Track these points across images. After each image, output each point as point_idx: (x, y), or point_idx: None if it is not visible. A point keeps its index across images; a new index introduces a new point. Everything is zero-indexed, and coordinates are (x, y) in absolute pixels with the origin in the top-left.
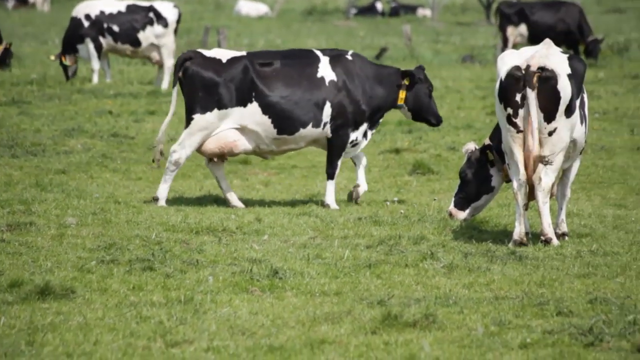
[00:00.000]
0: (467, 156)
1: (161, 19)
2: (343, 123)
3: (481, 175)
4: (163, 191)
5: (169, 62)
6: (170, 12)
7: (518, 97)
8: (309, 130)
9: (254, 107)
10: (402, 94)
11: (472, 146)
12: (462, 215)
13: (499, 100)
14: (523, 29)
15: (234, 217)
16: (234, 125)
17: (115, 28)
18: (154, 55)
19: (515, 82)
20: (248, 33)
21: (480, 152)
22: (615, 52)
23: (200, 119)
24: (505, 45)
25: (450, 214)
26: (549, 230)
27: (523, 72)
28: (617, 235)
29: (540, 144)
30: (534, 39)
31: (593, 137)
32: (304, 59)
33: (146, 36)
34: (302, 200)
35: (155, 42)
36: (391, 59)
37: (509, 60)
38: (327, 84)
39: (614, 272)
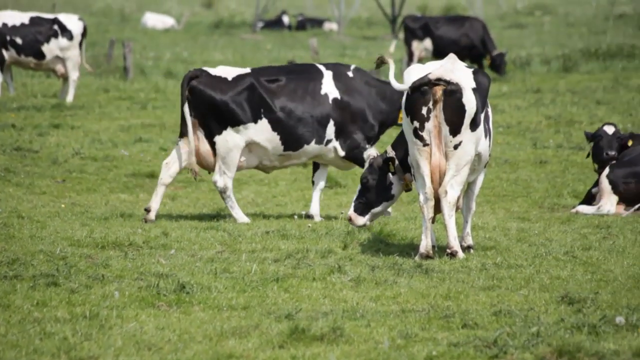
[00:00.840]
0: (369, 162)
1: (66, 32)
2: (355, 143)
3: (382, 182)
4: (239, 216)
5: (74, 75)
6: (75, 25)
7: (424, 111)
8: (312, 147)
9: (264, 124)
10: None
11: (373, 152)
12: (362, 220)
13: (405, 113)
14: (428, 43)
15: (140, 231)
16: (247, 141)
17: (19, 40)
18: (59, 68)
19: (421, 95)
20: (154, 46)
21: (383, 161)
22: (517, 67)
23: (221, 140)
24: (410, 60)
25: (350, 219)
26: (455, 244)
27: (428, 85)
28: (521, 248)
29: (446, 157)
30: (438, 53)
31: (497, 150)
32: (308, 74)
33: (50, 49)
34: (209, 214)
35: (59, 54)
36: None
37: (414, 74)
38: (330, 101)
39: (517, 284)
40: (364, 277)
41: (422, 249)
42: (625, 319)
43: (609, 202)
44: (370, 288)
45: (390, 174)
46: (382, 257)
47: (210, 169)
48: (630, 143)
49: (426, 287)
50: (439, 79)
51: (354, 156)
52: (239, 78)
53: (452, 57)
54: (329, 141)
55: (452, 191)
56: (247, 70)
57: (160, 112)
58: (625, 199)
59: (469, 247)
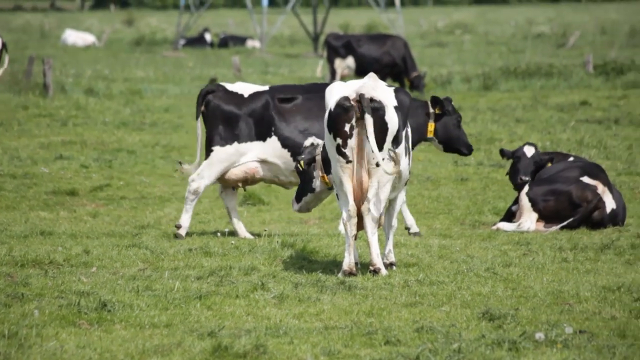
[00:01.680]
0: (305, 150)
1: None
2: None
3: (308, 174)
4: (185, 221)
5: None
6: None
7: (347, 128)
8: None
9: (273, 142)
10: (431, 127)
11: (309, 141)
12: (295, 206)
13: (328, 130)
14: (350, 61)
15: (61, 249)
16: (254, 159)
17: None
18: None
19: (344, 112)
20: (75, 63)
21: (300, 158)
22: (438, 85)
23: (219, 151)
24: (333, 77)
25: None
26: (378, 261)
27: (353, 102)
28: (443, 265)
29: (369, 174)
30: (361, 71)
31: (419, 168)
32: (323, 93)
33: None
34: (131, 232)
35: None
36: None
37: (337, 91)
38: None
39: (439, 301)
40: (287, 294)
41: (345, 266)
42: (544, 335)
43: (528, 220)
44: (293, 305)
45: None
46: (306, 274)
47: (229, 185)
48: (549, 165)
49: (349, 304)
50: (365, 97)
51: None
52: (254, 95)
53: (372, 76)
54: None
55: (374, 209)
56: (265, 87)
57: (81, 129)
58: (545, 216)
59: (391, 264)
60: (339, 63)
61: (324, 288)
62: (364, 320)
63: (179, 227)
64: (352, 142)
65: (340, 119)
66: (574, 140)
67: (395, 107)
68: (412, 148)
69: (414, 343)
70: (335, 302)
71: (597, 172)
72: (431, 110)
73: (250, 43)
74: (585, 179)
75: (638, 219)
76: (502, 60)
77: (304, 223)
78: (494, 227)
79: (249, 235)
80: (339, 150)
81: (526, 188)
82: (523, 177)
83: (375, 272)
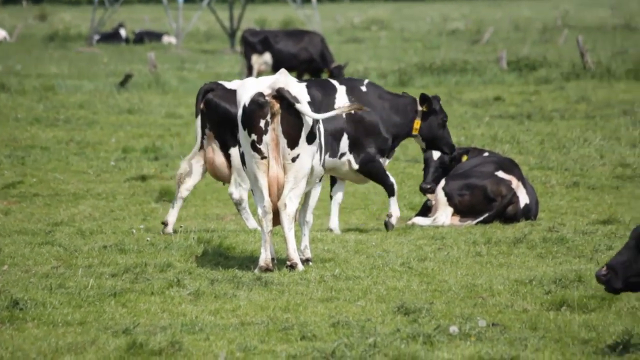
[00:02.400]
0: None
1: None
2: (369, 156)
3: None
4: (251, 224)
5: None
6: None
7: (262, 124)
8: (327, 160)
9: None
10: (417, 124)
11: None
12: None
13: (242, 126)
14: (267, 57)
15: None
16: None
17: None
18: None
19: (259, 108)
20: None
21: None
22: None
23: (235, 152)
24: (250, 73)
25: None
26: (295, 256)
27: (267, 98)
28: (359, 260)
29: (284, 170)
30: (278, 67)
31: None
32: (322, 89)
33: None
34: (44, 230)
35: None
36: (137, 86)
37: (250, 87)
38: (343, 115)
39: (355, 295)
40: (203, 291)
41: (261, 262)
42: (458, 328)
43: (444, 214)
44: (209, 301)
45: None
46: (222, 271)
47: (225, 181)
48: (465, 158)
49: (265, 299)
50: (278, 92)
51: (367, 169)
52: None
53: (283, 72)
54: (342, 154)
55: (291, 204)
56: None
57: None
58: (460, 211)
59: (307, 260)
60: (256, 59)
61: (241, 284)
62: (280, 315)
63: (250, 230)
64: (267, 138)
65: (255, 115)
66: (488, 135)
67: (309, 103)
68: (397, 144)
69: (329, 338)
70: (252, 298)
71: (511, 167)
72: (419, 107)
73: (166, 39)
74: (500, 174)
75: (550, 213)
76: (417, 56)
77: (221, 219)
78: (410, 222)
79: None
80: (254, 147)
81: (442, 182)
82: (424, 186)
83: (293, 267)
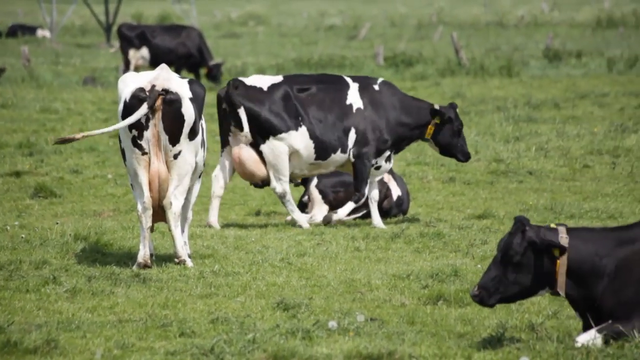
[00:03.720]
0: None
1: None
2: (365, 150)
3: None
4: (302, 220)
5: None
6: None
7: (143, 119)
8: (338, 156)
9: (303, 131)
10: (430, 129)
11: None
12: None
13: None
14: (145, 52)
15: None
16: (290, 149)
17: None
18: None
19: (139, 103)
20: None
21: None
22: (233, 76)
23: (267, 148)
24: (127, 68)
25: None
26: (183, 253)
27: (147, 93)
28: (238, 256)
29: (168, 168)
30: (155, 62)
31: (215, 159)
32: (335, 85)
33: None
34: None
35: None
36: (10, 80)
37: (131, 82)
38: (354, 110)
39: (235, 291)
40: (80, 288)
41: (140, 259)
42: (337, 323)
43: (319, 212)
44: (86, 299)
45: None
46: (99, 268)
47: (252, 178)
48: None
49: (144, 296)
50: (159, 87)
51: (356, 164)
52: (273, 87)
53: (164, 67)
54: (350, 150)
55: (176, 202)
56: (280, 78)
57: None
58: (336, 207)
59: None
60: (133, 54)
61: (118, 281)
62: (158, 312)
63: (300, 227)
64: (148, 134)
65: (135, 110)
66: None
67: (190, 99)
68: (407, 144)
69: (209, 334)
70: (130, 294)
71: None
72: (435, 120)
73: (40, 33)
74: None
75: (427, 208)
76: (295, 51)
77: (98, 216)
78: (288, 218)
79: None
80: (135, 142)
81: (315, 180)
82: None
83: (181, 263)
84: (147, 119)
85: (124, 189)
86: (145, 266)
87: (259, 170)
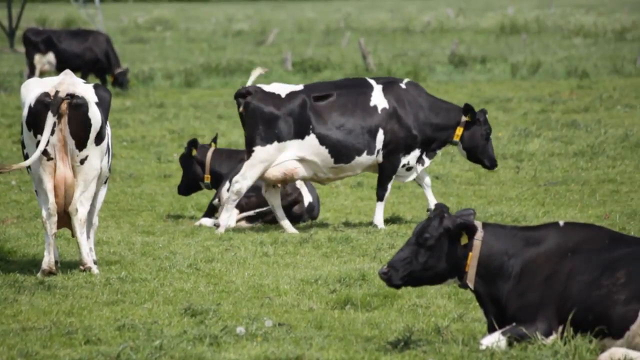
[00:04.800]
0: None
1: None
2: (394, 148)
3: None
4: (225, 220)
5: None
6: None
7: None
8: (364, 158)
9: (311, 139)
10: (459, 131)
11: None
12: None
13: (27, 128)
14: (51, 57)
15: None
16: (293, 157)
17: None
18: None
19: (45, 108)
20: None
21: None
22: (140, 82)
23: (260, 151)
24: (32, 73)
25: None
26: (88, 259)
27: (52, 98)
28: (146, 262)
29: (74, 173)
30: (62, 67)
31: (122, 165)
32: (358, 89)
33: None
34: None
35: None
36: None
37: (34, 87)
38: (379, 111)
39: (142, 298)
40: None
41: (44, 265)
42: (245, 329)
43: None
44: None
45: None
46: (2, 275)
47: (266, 182)
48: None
49: (48, 304)
50: (62, 92)
51: (384, 164)
52: (291, 95)
53: (68, 73)
54: (379, 151)
55: (82, 208)
56: (300, 87)
57: None
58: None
59: (93, 263)
60: (38, 59)
61: (22, 288)
62: (63, 320)
63: (217, 225)
64: (54, 139)
65: (41, 116)
66: None
67: (97, 103)
68: (437, 147)
69: (115, 341)
70: (34, 302)
71: None
72: (464, 118)
73: None
74: None
75: (335, 212)
76: (203, 57)
77: (1, 223)
78: (197, 223)
79: (295, 231)
80: None
81: (227, 184)
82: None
83: (87, 270)
84: (54, 124)
85: (28, 196)
86: (50, 273)
87: (271, 175)
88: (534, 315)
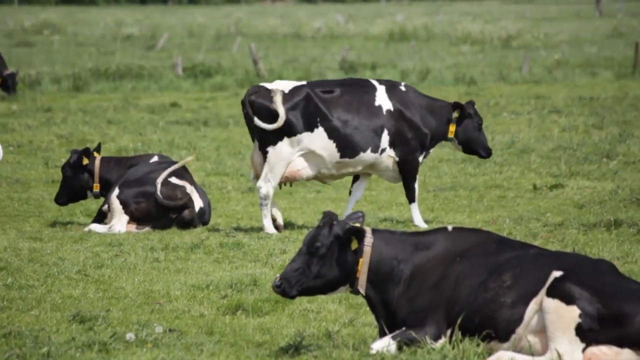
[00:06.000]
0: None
1: None
2: (410, 149)
3: None
4: (269, 226)
5: None
6: None
7: None
8: (368, 155)
9: (320, 132)
10: (452, 128)
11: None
12: None
13: None
14: None
15: None
16: (303, 151)
17: None
18: None
19: None
20: None
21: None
22: (27, 86)
23: (274, 151)
24: None
25: None
26: None
27: None
28: (33, 268)
29: None
30: None
31: (8, 170)
32: (362, 88)
33: None
34: None
35: None
36: None
37: None
38: (384, 111)
39: (29, 305)
40: None
41: None
42: (135, 335)
43: (119, 222)
44: None
45: None
46: None
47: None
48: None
49: None
50: None
51: (406, 162)
52: (295, 89)
53: None
54: (383, 150)
55: None
56: (303, 82)
57: None
58: (137, 218)
59: None
60: None
61: None
62: None
63: (268, 234)
64: None
65: None
66: (165, 141)
67: None
68: (433, 145)
69: (1, 349)
70: None
71: (182, 172)
72: (454, 115)
73: None
74: (174, 180)
75: (226, 218)
76: (92, 61)
77: None
78: (86, 229)
79: (274, 231)
80: None
81: (117, 191)
82: (57, 201)
83: None
84: None
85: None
86: None
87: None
88: (423, 320)
